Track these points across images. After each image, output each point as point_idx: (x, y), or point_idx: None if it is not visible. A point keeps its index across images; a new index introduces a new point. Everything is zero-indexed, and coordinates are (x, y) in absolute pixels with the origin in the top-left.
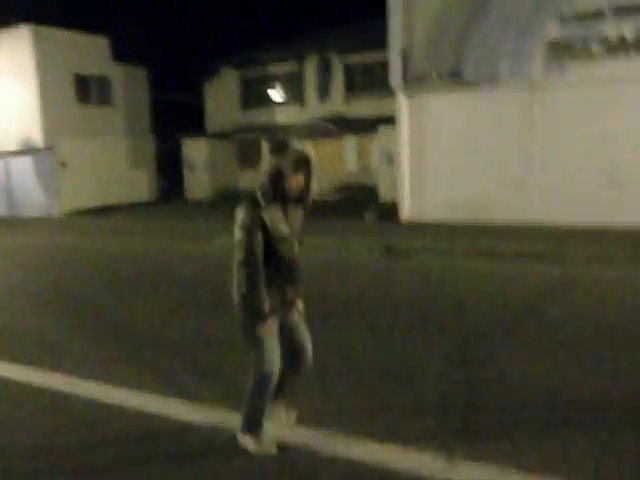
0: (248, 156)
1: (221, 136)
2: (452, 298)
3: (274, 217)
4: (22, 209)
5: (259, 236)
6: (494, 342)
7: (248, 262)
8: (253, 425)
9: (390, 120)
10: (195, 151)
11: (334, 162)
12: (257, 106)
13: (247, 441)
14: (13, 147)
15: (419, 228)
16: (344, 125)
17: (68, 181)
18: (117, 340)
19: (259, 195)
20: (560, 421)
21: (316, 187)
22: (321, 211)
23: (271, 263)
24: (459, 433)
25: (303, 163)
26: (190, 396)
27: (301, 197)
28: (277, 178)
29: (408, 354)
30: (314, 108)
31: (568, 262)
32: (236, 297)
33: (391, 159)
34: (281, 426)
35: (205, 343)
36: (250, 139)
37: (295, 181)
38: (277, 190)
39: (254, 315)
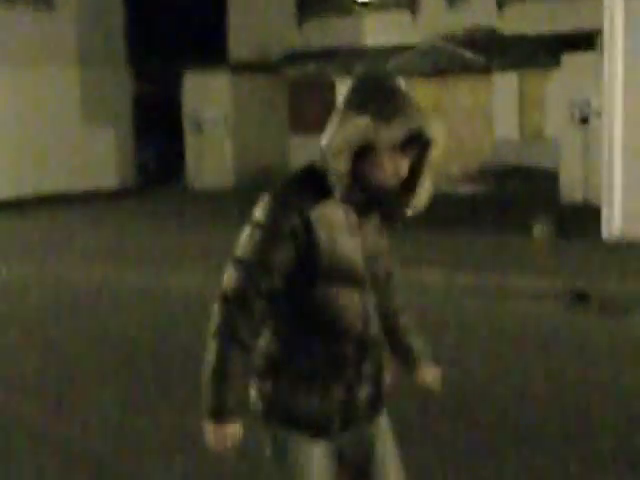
0: (309, 107)
1: (258, 69)
2: None
3: (336, 224)
4: None
5: (283, 257)
6: None
7: (229, 298)
8: None
9: (585, 42)
10: (208, 96)
11: (474, 122)
12: (326, 14)
13: None
14: None
15: None
16: (495, 51)
17: None
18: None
19: (311, 179)
20: None
21: (429, 189)
22: (448, 215)
23: (313, 325)
24: None
25: (418, 140)
26: None
27: (393, 201)
28: (361, 156)
29: None
30: (437, 18)
31: None
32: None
33: (585, 117)
34: None
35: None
36: (313, 75)
37: (392, 166)
38: (354, 178)
39: (206, 407)
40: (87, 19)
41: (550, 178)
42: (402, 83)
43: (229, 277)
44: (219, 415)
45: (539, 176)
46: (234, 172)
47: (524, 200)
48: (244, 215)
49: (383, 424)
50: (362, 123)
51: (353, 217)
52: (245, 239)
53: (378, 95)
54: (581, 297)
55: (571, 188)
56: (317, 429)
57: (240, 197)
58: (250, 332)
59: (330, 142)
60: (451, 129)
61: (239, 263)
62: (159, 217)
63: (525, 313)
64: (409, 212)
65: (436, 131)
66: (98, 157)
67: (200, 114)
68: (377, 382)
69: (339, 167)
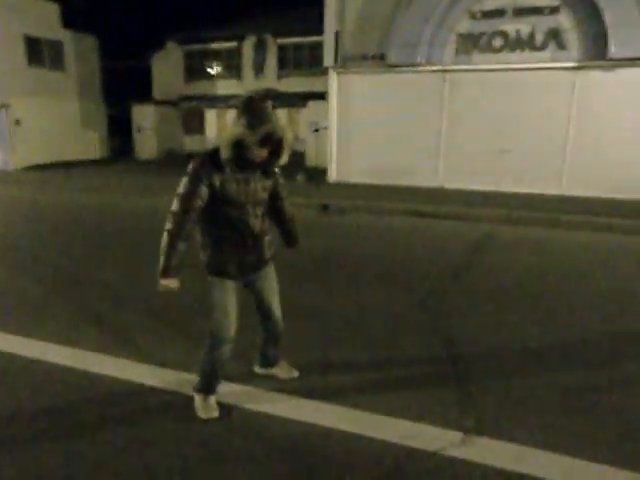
0: (191, 122)
1: (167, 103)
2: (391, 251)
3: (225, 180)
4: None
5: (201, 192)
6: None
7: (174, 212)
8: (203, 386)
9: (318, 96)
10: (143, 116)
11: None
12: (199, 78)
13: (195, 400)
14: None
15: (345, 188)
16: (276, 99)
17: (23, 138)
18: (73, 296)
19: (217, 156)
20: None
21: (288, 155)
22: None
23: (221, 226)
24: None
25: (273, 140)
26: (152, 359)
27: (266, 166)
28: (237, 147)
29: (350, 301)
30: (250, 82)
31: (478, 221)
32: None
33: (317, 129)
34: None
35: (170, 303)
36: (193, 107)
37: (258, 154)
38: (236, 157)
39: (159, 268)
40: (81, 76)
41: (302, 155)
42: (268, 104)
43: (174, 201)
44: (163, 273)
45: (298, 154)
46: (157, 151)
47: (292, 165)
48: (162, 170)
49: (267, 271)
50: (239, 131)
51: (242, 176)
52: (182, 181)
53: (249, 113)
54: (324, 207)
55: (311, 159)
56: (225, 274)
57: (159, 163)
58: (177, 228)
59: (222, 138)
60: None
61: (177, 195)
62: (121, 171)
63: (300, 215)
64: (276, 168)
65: (284, 130)
66: (91, 144)
67: (140, 124)
68: (259, 252)
69: (225, 154)
